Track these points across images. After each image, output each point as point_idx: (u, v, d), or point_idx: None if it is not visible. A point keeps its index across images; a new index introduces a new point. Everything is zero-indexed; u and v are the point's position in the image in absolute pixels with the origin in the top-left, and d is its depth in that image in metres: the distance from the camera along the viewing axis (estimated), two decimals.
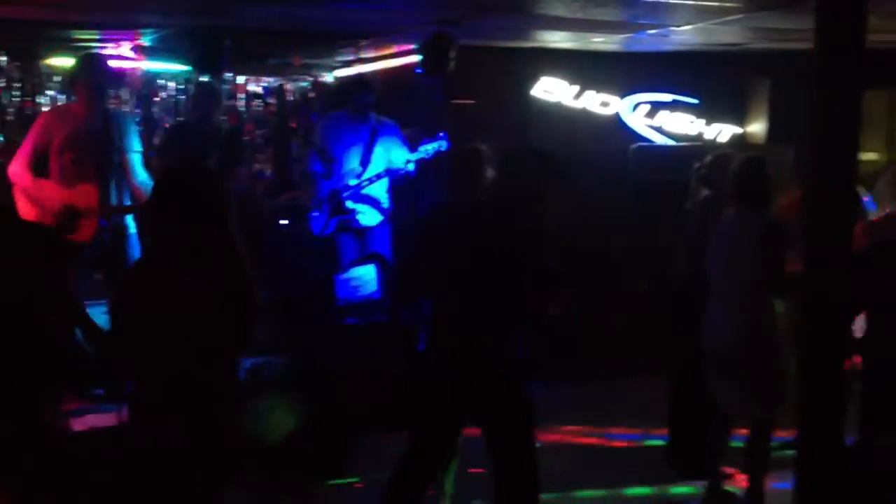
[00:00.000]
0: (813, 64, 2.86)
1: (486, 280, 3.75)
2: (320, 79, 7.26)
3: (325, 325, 5.81)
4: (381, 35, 5.92)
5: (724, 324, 4.42)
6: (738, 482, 4.72)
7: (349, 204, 6.09)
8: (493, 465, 3.92)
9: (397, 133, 6.18)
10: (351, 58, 6.65)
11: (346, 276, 5.92)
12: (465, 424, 3.99)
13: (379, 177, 6.02)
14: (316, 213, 6.18)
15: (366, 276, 5.90)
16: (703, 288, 4.66)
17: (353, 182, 6.08)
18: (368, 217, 6.12)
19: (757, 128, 6.89)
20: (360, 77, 6.38)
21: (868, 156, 6.74)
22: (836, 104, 2.85)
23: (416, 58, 5.87)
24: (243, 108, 7.43)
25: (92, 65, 5.31)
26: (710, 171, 4.94)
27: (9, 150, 6.08)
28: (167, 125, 7.18)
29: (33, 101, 6.99)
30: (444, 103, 6.56)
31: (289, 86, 7.51)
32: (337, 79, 7.15)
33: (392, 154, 6.08)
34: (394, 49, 6.31)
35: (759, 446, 4.46)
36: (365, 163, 6.06)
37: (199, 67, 5.77)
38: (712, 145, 6.91)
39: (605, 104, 6.99)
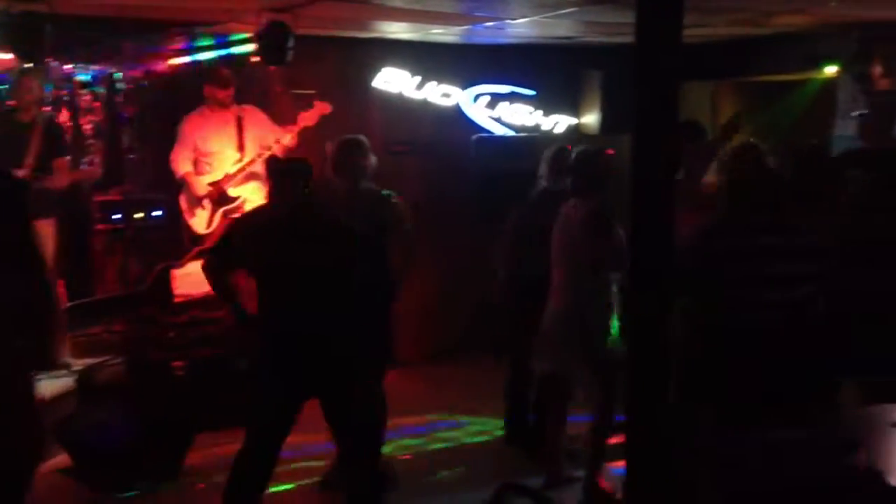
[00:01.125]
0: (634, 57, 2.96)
1: (317, 276, 3.84)
2: (153, 67, 7.00)
3: (163, 323, 5.62)
4: (214, 22, 5.75)
5: (557, 307, 4.57)
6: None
7: (232, 192, 6.13)
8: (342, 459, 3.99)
9: (262, 116, 6.24)
10: (185, 46, 6.45)
11: (184, 270, 5.75)
12: (296, 418, 3.98)
13: (257, 158, 6.07)
14: (198, 210, 6.16)
15: None
16: (536, 273, 4.81)
17: (233, 170, 6.12)
18: (256, 201, 6.07)
19: (590, 118, 7.11)
20: (217, 70, 6.21)
21: None
22: (655, 95, 2.95)
23: (252, 46, 5.74)
24: (68, 98, 7.06)
25: None
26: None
27: None
28: None
29: None
30: (284, 93, 6.47)
31: (119, 74, 7.20)
32: (191, 73, 6.88)
33: (263, 136, 6.13)
34: (230, 37, 6.15)
35: (594, 428, 4.62)
36: (240, 148, 6.12)
37: (20, 55, 5.47)
38: (550, 136, 7.09)
39: (446, 95, 7.05)
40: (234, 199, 6.15)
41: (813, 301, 3.60)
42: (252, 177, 6.15)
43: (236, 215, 5.99)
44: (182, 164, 6.17)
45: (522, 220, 5.12)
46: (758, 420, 3.32)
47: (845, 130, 5.96)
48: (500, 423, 5.48)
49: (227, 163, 6.15)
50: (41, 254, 3.14)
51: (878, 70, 5.86)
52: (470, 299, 7.08)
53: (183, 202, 6.25)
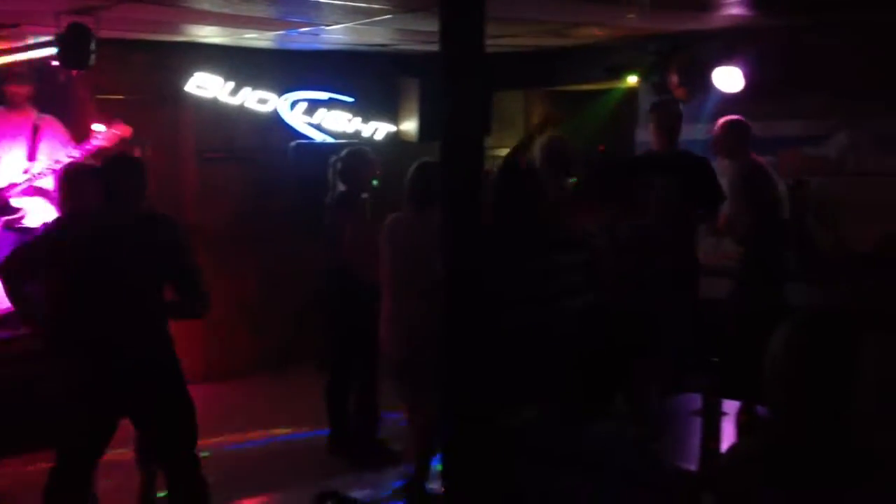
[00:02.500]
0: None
1: (125, 288, 3.72)
2: None
3: None
4: (10, 25, 5.44)
5: (405, 324, 4.42)
6: None
7: (15, 202, 5.76)
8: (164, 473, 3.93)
9: (60, 129, 5.93)
10: None
11: None
12: (114, 428, 3.85)
13: (47, 172, 5.70)
14: None
15: None
16: (347, 282, 4.91)
17: (19, 179, 5.76)
18: (39, 215, 5.72)
19: (409, 126, 7.19)
20: (13, 66, 5.84)
21: (506, 152, 7.25)
22: (459, 103, 3.01)
23: (52, 50, 5.46)
24: None
25: None
26: (344, 165, 5.20)
27: None
28: None
29: None
30: (89, 98, 6.20)
31: None
32: None
33: (55, 150, 5.83)
34: (28, 41, 5.82)
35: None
36: (31, 158, 5.77)
37: None
38: (369, 143, 7.13)
39: (263, 101, 6.96)
40: (16, 210, 5.78)
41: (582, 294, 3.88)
42: (39, 192, 5.82)
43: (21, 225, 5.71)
44: None
45: (331, 227, 5.19)
46: (568, 415, 3.45)
47: (647, 137, 6.28)
48: (322, 431, 5.46)
49: (14, 170, 5.80)
50: None
51: (674, 79, 6.23)
52: (289, 309, 7.02)
53: None
